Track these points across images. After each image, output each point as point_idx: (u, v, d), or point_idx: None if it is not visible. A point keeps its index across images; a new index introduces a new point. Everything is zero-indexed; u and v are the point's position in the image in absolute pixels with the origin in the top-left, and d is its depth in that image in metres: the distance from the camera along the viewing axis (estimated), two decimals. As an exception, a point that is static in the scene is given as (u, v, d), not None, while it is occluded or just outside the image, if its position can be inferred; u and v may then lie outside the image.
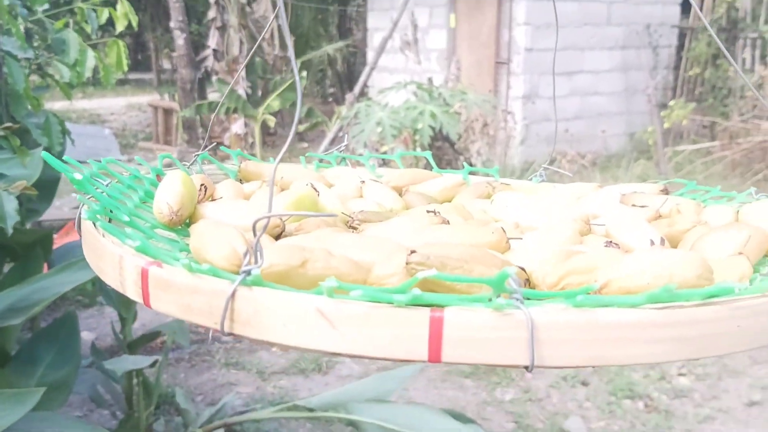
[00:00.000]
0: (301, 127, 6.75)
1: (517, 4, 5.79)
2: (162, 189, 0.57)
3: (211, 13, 6.34)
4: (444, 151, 4.35)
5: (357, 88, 5.56)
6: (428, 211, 0.61)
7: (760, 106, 6.35)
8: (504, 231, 0.55)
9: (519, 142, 5.64)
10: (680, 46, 6.90)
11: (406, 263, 0.43)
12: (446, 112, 4.19)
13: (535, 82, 5.90)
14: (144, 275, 0.43)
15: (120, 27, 2.47)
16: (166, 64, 11.19)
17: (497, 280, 0.37)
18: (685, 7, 6.91)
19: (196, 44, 7.09)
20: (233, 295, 0.39)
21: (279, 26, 7.02)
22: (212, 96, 6.55)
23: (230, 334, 0.40)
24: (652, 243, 0.58)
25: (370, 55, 6.83)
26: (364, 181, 0.80)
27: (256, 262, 0.40)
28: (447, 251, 0.45)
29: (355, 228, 0.64)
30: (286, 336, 0.38)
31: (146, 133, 7.85)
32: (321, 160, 0.90)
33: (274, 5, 7.04)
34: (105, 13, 2.44)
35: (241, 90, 6.34)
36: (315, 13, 7.80)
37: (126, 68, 2.51)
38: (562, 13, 5.88)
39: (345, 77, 8.63)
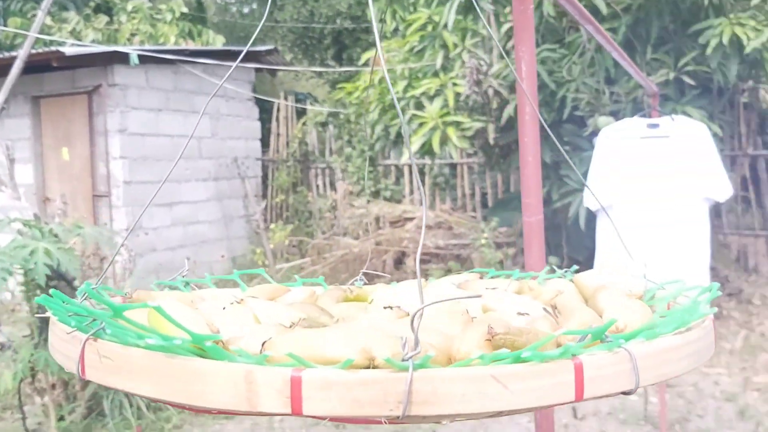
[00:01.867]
0: None
1: (111, 139, 5.77)
2: (181, 317, 0.55)
3: None
4: (62, 290, 4.02)
5: (-68, 231, 4.83)
6: (385, 307, 0.69)
7: (337, 225, 7.29)
8: (468, 313, 0.67)
9: (129, 274, 5.49)
10: (265, 177, 7.59)
11: (492, 337, 0.52)
12: (61, 249, 3.93)
13: (136, 214, 5.87)
14: (295, 382, 0.44)
15: None
16: None
17: (600, 330, 0.50)
18: (265, 143, 7.67)
19: None
20: (411, 379, 0.45)
21: None
22: None
23: (408, 417, 0.44)
24: (545, 310, 0.76)
25: (-61, 194, 6.00)
26: (242, 300, 0.83)
27: (416, 348, 0.46)
28: (507, 324, 0.55)
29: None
30: (464, 405, 0.45)
31: None
32: (171, 287, 0.89)
33: None
34: None
35: None
36: None
37: None
38: (156, 147, 6.04)
39: None
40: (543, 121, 0.97)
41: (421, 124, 5.48)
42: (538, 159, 1.27)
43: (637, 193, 3.18)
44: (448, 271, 6.44)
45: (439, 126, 5.42)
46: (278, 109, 7.60)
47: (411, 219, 7.33)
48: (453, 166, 7.31)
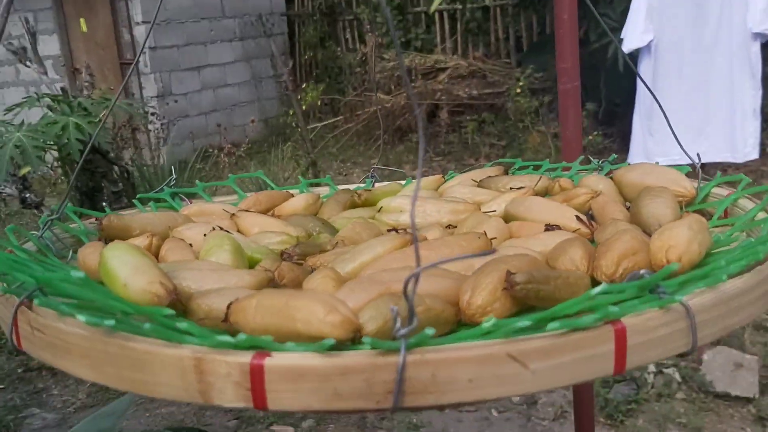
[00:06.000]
0: None
1: (133, 3, 5.54)
2: (131, 267, 0.46)
3: None
4: (96, 163, 4.02)
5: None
6: (389, 230, 0.59)
7: (368, 80, 7.06)
8: (486, 234, 0.56)
9: (163, 142, 5.46)
10: (291, 33, 7.30)
11: (512, 286, 0.42)
12: (92, 123, 3.87)
13: (166, 80, 5.75)
14: (255, 371, 0.35)
15: None
16: None
17: (653, 281, 0.39)
18: (289, -3, 7.32)
19: None
20: (403, 365, 0.35)
21: None
22: None
23: (401, 409, 0.36)
24: (579, 219, 0.65)
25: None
26: (234, 214, 0.74)
27: (410, 322, 0.36)
28: (525, 265, 0.45)
29: (299, 263, 0.59)
30: (472, 392, 0.36)
31: None
32: (157, 201, 0.80)
33: None
34: None
35: None
36: None
37: None
38: (178, 9, 5.80)
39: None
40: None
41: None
42: (574, 16, 1.11)
43: (680, 32, 2.95)
44: (482, 122, 6.26)
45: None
46: (300, -40, 7.19)
47: (444, 69, 7.06)
48: (485, 10, 6.92)
